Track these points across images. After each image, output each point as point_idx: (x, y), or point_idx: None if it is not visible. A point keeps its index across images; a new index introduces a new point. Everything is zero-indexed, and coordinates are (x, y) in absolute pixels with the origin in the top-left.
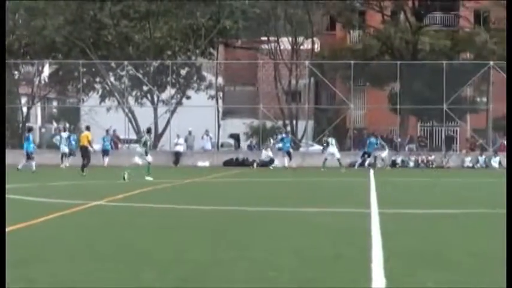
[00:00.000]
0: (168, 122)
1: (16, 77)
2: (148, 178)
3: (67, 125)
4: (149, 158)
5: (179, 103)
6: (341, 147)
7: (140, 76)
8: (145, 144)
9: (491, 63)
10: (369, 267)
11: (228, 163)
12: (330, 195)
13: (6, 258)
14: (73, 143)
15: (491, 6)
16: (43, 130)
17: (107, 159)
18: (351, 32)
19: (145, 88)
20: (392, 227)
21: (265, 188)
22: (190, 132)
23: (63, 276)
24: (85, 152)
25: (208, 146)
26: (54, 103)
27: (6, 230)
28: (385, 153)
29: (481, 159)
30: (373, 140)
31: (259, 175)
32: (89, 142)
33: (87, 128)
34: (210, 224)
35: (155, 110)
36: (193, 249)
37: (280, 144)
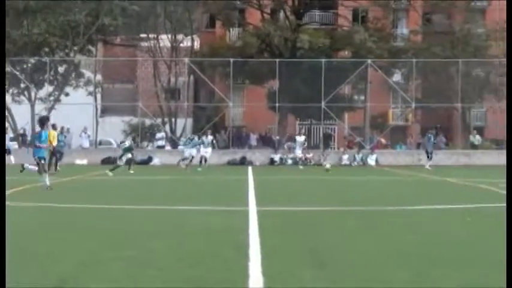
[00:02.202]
0: None
1: None
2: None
3: None
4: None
5: (57, 100)
6: (219, 145)
7: (17, 73)
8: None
9: (369, 61)
10: (246, 266)
11: (106, 161)
12: (208, 193)
13: (6, 257)
14: None
15: (369, 6)
16: None
17: None
18: (231, 29)
19: (22, 85)
20: (271, 224)
21: (143, 186)
22: (68, 130)
23: None
24: None
25: (86, 144)
26: None
27: None
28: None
29: (358, 156)
30: None
31: (138, 173)
32: None
33: None
34: (87, 222)
35: (32, 107)
36: (71, 248)
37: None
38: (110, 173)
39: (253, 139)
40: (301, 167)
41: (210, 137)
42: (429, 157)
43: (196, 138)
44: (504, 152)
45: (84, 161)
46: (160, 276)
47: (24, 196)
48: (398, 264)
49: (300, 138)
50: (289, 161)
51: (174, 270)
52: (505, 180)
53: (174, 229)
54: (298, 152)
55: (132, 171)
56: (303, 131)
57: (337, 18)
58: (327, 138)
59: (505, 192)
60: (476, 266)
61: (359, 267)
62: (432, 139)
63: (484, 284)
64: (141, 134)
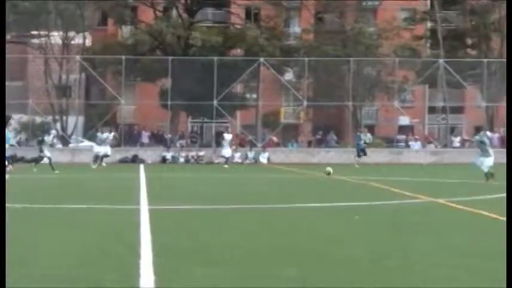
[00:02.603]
0: None
1: None
2: None
3: None
4: None
5: None
6: (111, 143)
7: None
8: None
9: (262, 59)
10: (137, 264)
11: None
12: (99, 191)
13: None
14: None
15: (261, 4)
16: None
17: None
18: (123, 27)
19: None
20: (163, 222)
21: (33, 184)
22: None
23: None
24: None
25: None
26: None
27: None
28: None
29: (250, 154)
30: None
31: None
32: None
33: None
34: None
35: None
36: None
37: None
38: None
39: (145, 137)
40: (226, 166)
41: (108, 134)
42: (359, 155)
43: (106, 134)
44: (395, 150)
45: None
46: (47, 276)
47: None
48: (288, 260)
49: (228, 136)
50: (181, 159)
51: (62, 269)
52: (395, 178)
53: (64, 227)
54: (227, 151)
55: (35, 170)
56: (230, 129)
57: (229, 16)
58: (219, 136)
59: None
60: (359, 263)
61: (250, 264)
62: (362, 137)
63: (365, 282)
64: (32, 131)
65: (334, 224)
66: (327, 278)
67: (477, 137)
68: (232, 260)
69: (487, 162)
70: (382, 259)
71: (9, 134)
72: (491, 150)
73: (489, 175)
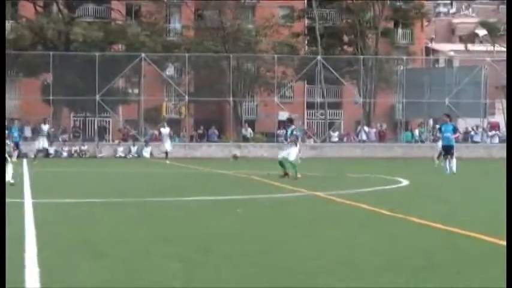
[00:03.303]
0: None
1: None
2: None
3: None
4: None
5: None
6: None
7: None
8: None
9: (143, 55)
10: (22, 258)
11: None
12: None
13: (6, 258)
14: None
15: (142, 0)
16: None
17: None
18: None
19: None
20: (47, 216)
21: None
22: None
23: None
24: None
25: None
26: None
27: None
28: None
29: (134, 149)
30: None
31: None
32: None
33: None
34: None
35: None
36: None
37: None
38: None
39: (28, 131)
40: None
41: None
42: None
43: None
44: (275, 144)
45: None
46: None
47: None
48: (172, 253)
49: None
50: (65, 154)
51: None
52: (276, 172)
53: None
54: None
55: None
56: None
57: (110, 12)
58: (102, 131)
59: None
60: (243, 257)
61: (135, 257)
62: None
63: (248, 277)
64: None
65: (217, 218)
66: (211, 273)
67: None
68: (118, 253)
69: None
70: (264, 253)
71: None
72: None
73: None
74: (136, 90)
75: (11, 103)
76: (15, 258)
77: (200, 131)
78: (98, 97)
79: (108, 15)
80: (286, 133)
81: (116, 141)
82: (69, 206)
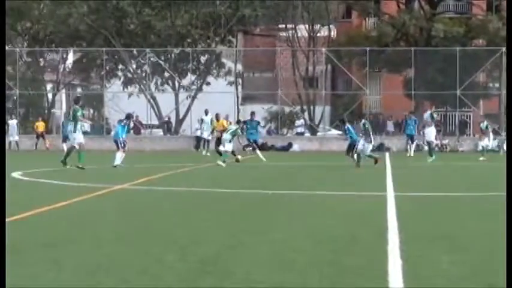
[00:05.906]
0: (189, 108)
1: (41, 64)
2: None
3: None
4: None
5: (199, 89)
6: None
7: (162, 63)
8: (74, 118)
9: (504, 49)
10: (385, 251)
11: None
12: (343, 179)
13: (6, 258)
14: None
15: None
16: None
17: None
18: (367, 19)
19: (166, 75)
20: (409, 210)
21: (282, 171)
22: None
23: (89, 259)
24: None
25: None
26: (79, 89)
27: (32, 212)
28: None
29: (494, 143)
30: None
31: (276, 159)
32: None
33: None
34: (229, 207)
35: (176, 96)
36: (213, 231)
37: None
38: (223, 164)
39: (390, 126)
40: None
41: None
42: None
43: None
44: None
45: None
46: (299, 260)
47: (169, 181)
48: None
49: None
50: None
51: (313, 254)
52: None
53: (311, 213)
54: (486, 141)
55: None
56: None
57: (471, 7)
58: (463, 125)
59: None
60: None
61: (496, 251)
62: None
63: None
64: (281, 121)
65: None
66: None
67: None
68: (477, 247)
69: None
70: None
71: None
72: None
73: None
74: (497, 84)
75: (374, 98)
76: (378, 250)
77: None
78: (458, 91)
79: (468, 11)
80: None
81: (477, 136)
82: (431, 200)
